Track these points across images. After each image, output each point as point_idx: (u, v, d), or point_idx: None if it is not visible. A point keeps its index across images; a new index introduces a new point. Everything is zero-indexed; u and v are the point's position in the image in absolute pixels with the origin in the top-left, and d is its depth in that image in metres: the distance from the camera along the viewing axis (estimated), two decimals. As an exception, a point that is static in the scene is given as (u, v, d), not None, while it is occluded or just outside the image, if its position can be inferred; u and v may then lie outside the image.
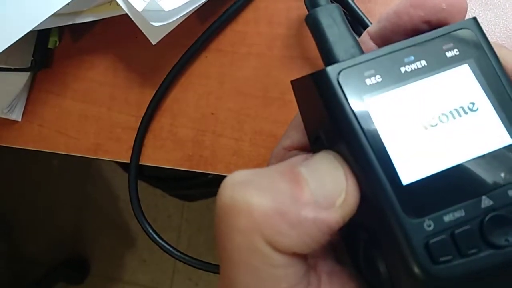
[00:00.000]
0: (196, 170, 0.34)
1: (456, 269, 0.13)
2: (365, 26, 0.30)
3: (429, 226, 0.13)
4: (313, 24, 0.17)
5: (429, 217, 0.13)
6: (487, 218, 0.13)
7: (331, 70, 0.14)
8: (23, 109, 0.39)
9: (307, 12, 0.17)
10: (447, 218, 0.13)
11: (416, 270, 0.13)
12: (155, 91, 0.35)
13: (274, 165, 0.15)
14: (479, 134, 0.14)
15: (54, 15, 0.32)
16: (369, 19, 0.30)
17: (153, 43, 0.32)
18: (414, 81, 0.14)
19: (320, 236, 0.14)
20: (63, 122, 0.38)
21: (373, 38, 0.17)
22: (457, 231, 0.13)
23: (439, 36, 0.15)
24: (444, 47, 0.15)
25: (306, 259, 0.15)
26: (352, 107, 0.14)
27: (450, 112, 0.14)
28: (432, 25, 0.16)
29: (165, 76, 0.35)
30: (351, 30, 0.16)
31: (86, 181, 1.23)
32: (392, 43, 0.15)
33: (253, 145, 0.33)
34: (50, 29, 0.38)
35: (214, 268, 0.34)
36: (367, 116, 0.14)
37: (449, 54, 0.15)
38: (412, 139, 0.14)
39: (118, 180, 1.21)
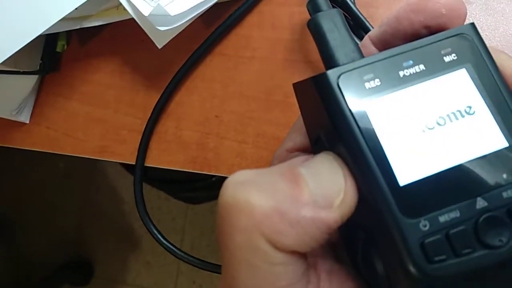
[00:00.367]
0: (200, 172, 0.34)
1: (451, 269, 0.14)
2: (367, 30, 0.31)
3: (425, 226, 0.14)
4: (314, 29, 0.17)
5: (425, 217, 0.14)
6: (481, 219, 0.14)
7: (331, 73, 0.15)
8: (31, 111, 0.40)
9: (309, 17, 0.18)
10: (442, 219, 0.14)
11: (411, 269, 0.14)
12: (160, 94, 0.35)
13: (275, 166, 0.16)
14: (476, 136, 0.15)
15: (62, 19, 0.33)
16: (371, 23, 0.31)
17: (159, 47, 0.33)
18: (412, 85, 0.15)
19: (319, 235, 0.14)
20: (70, 124, 0.38)
21: (374, 43, 0.18)
22: (452, 231, 0.14)
23: (437, 41, 0.15)
24: (442, 52, 0.15)
25: (305, 257, 0.15)
26: (351, 110, 0.15)
27: (447, 115, 0.15)
28: (432, 30, 0.16)
29: (170, 79, 0.35)
30: (352, 34, 0.17)
31: (91, 184, 1.24)
32: (393, 47, 0.16)
33: (256, 148, 0.33)
34: (58, 33, 0.39)
35: (217, 269, 0.34)
36: (366, 119, 0.14)
37: (447, 58, 0.15)
38: (409, 141, 0.14)
39: (122, 183, 1.21)
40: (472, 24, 0.16)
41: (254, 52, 0.34)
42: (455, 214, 0.14)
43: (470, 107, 0.15)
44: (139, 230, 1.18)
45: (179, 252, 0.36)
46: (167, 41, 0.33)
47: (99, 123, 0.37)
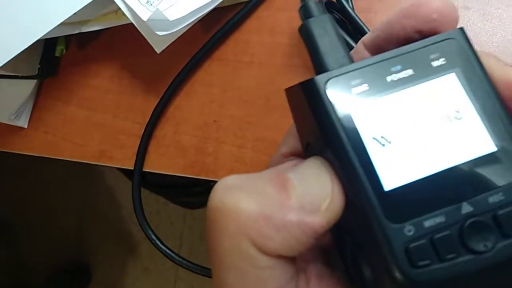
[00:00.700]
0: (198, 177, 0.34)
1: (435, 273, 0.14)
2: (365, 35, 0.31)
3: (410, 231, 0.14)
4: (305, 34, 0.17)
5: (409, 222, 0.14)
6: (466, 224, 0.14)
7: (319, 79, 0.15)
8: (29, 116, 0.40)
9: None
10: (427, 224, 0.14)
11: (396, 273, 0.14)
12: (159, 99, 0.35)
13: (265, 170, 0.16)
14: (463, 141, 0.15)
15: (61, 24, 0.33)
16: (369, 28, 0.31)
17: (158, 51, 0.33)
18: (399, 90, 0.15)
19: (305, 239, 0.14)
20: (69, 129, 0.38)
21: (367, 47, 0.18)
22: (436, 236, 0.14)
23: (426, 46, 0.15)
24: (431, 57, 0.15)
25: (294, 262, 0.15)
26: (338, 115, 0.15)
27: (435, 120, 0.15)
28: (424, 35, 0.16)
29: (169, 84, 0.35)
30: (343, 40, 0.17)
31: (89, 189, 1.24)
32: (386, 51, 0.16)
33: (255, 152, 0.33)
34: (57, 37, 0.39)
35: (216, 274, 0.34)
36: (352, 124, 0.15)
37: (435, 63, 0.15)
38: (395, 146, 0.14)
39: (121, 188, 1.21)
40: (461, 29, 0.16)
41: (253, 57, 0.34)
42: (440, 219, 0.14)
43: (458, 112, 0.15)
44: (137, 235, 1.18)
45: (177, 258, 0.36)
46: (166, 46, 0.33)
47: (97, 127, 0.37)
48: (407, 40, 0.16)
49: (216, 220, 0.15)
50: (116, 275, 1.19)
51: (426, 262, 0.14)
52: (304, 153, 0.18)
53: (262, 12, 0.35)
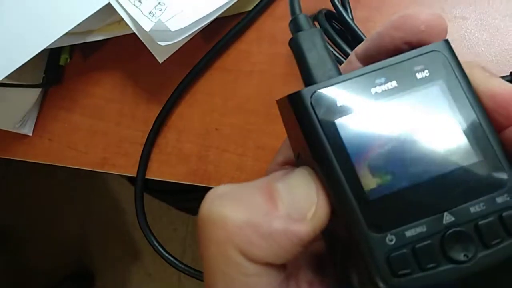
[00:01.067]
0: (200, 185, 0.35)
1: (415, 283, 0.14)
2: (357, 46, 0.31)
3: (391, 240, 0.14)
4: (295, 48, 0.17)
5: (391, 232, 0.14)
6: (447, 234, 0.14)
7: (305, 91, 0.15)
8: (34, 123, 0.40)
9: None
10: (409, 233, 0.14)
11: (378, 282, 0.14)
12: (161, 107, 0.36)
13: (256, 180, 0.16)
14: (446, 152, 0.15)
15: (66, 34, 0.33)
16: (368, 39, 0.31)
17: (160, 61, 0.33)
18: (383, 102, 0.15)
19: (291, 247, 0.15)
20: (73, 137, 0.39)
21: (359, 58, 0.18)
22: (417, 246, 0.14)
23: (411, 58, 0.16)
24: (415, 69, 0.15)
25: (283, 268, 0.16)
26: (323, 127, 0.15)
27: (418, 131, 0.15)
28: (413, 46, 0.16)
29: (171, 93, 0.36)
30: (331, 53, 0.17)
31: (92, 194, 1.24)
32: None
33: (256, 160, 0.34)
34: (61, 47, 0.39)
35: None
36: (337, 136, 0.15)
37: (419, 75, 0.15)
38: (379, 157, 0.15)
39: (124, 193, 1.22)
40: (446, 41, 0.16)
41: (254, 67, 0.35)
42: (421, 228, 0.14)
43: (440, 123, 0.15)
44: (140, 241, 1.18)
45: (180, 265, 0.36)
46: (168, 56, 0.33)
47: (100, 135, 0.38)
48: (396, 51, 0.17)
49: (205, 228, 0.15)
50: (119, 281, 1.20)
51: (407, 271, 0.14)
52: (296, 163, 0.19)
53: (262, 22, 0.35)
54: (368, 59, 0.18)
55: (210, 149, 0.35)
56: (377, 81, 0.15)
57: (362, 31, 0.31)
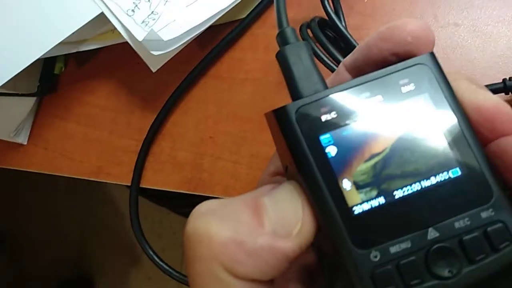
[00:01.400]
0: (194, 193, 0.35)
1: None
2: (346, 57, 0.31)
3: (376, 257, 0.14)
4: (281, 61, 0.17)
5: (376, 248, 0.14)
6: (432, 250, 0.14)
7: (290, 107, 0.15)
8: (29, 132, 0.40)
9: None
10: (393, 249, 0.14)
11: None
12: (155, 116, 0.36)
13: (242, 194, 0.16)
14: (430, 167, 0.15)
15: (60, 43, 0.33)
16: (361, 46, 0.31)
17: (153, 70, 0.33)
18: (368, 116, 0.15)
19: (277, 264, 0.15)
20: (67, 146, 0.39)
21: (348, 69, 0.18)
22: (401, 262, 0.14)
23: (396, 71, 0.16)
24: (400, 82, 0.15)
25: (270, 283, 0.15)
26: (308, 143, 0.15)
27: (403, 146, 0.15)
28: (400, 57, 0.16)
29: (165, 101, 0.36)
30: (317, 67, 0.17)
31: (91, 199, 1.25)
32: (365, 74, 0.16)
33: (250, 168, 0.34)
34: (56, 55, 0.39)
35: None
36: (321, 152, 0.15)
37: (405, 89, 0.15)
38: (363, 172, 0.15)
39: (123, 197, 1.22)
40: (431, 54, 0.16)
41: (248, 74, 0.35)
42: (406, 244, 0.14)
43: (425, 137, 0.15)
44: (139, 245, 1.18)
45: (175, 273, 0.36)
46: (161, 65, 0.33)
47: (95, 144, 0.38)
48: (384, 62, 0.16)
49: (190, 245, 0.15)
50: (119, 284, 1.20)
51: (391, 287, 0.14)
52: (285, 176, 0.19)
53: (256, 30, 0.35)
54: (356, 70, 0.18)
55: (205, 157, 0.35)
56: (362, 95, 0.15)
57: (355, 39, 0.31)
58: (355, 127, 0.15)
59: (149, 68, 0.34)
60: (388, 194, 0.15)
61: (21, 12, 0.34)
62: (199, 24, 0.32)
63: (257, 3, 0.35)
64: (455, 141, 0.15)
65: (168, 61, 0.34)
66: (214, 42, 0.35)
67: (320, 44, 0.31)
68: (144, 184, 0.36)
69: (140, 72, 0.37)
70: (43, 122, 0.40)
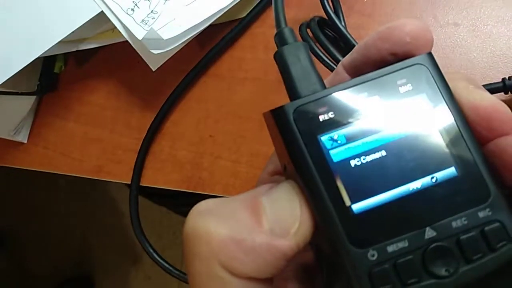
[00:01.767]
0: (194, 192, 0.35)
1: None
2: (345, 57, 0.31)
3: (373, 256, 0.14)
4: (279, 61, 0.17)
5: (373, 247, 0.14)
6: (429, 249, 0.14)
7: (288, 106, 0.15)
8: (29, 131, 0.40)
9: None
10: (390, 249, 0.14)
11: None
12: (155, 115, 0.36)
13: (241, 194, 0.16)
14: (427, 166, 0.15)
15: (60, 42, 0.33)
16: (361, 45, 0.31)
17: (153, 69, 0.33)
18: (365, 116, 0.15)
19: (275, 262, 0.15)
20: (67, 144, 0.39)
21: (346, 69, 0.18)
22: (399, 261, 0.14)
23: (393, 72, 0.16)
24: (398, 83, 0.15)
25: (269, 282, 0.16)
26: (305, 143, 0.15)
27: (400, 145, 0.15)
28: (399, 57, 0.16)
29: (165, 100, 0.36)
30: (315, 67, 0.17)
31: (92, 198, 1.25)
32: (364, 73, 0.16)
33: (250, 167, 0.34)
34: (55, 54, 0.40)
35: None
36: (319, 151, 0.15)
37: (402, 89, 0.15)
38: (360, 171, 0.15)
39: (123, 197, 1.22)
40: (429, 54, 0.16)
41: (247, 73, 0.35)
42: (403, 244, 0.14)
43: (423, 137, 0.15)
44: (139, 244, 1.18)
45: (174, 271, 0.36)
46: (161, 64, 0.33)
47: (95, 143, 0.38)
48: (383, 62, 0.16)
49: (189, 244, 0.15)
50: (119, 284, 1.20)
51: (388, 286, 0.14)
52: (284, 175, 0.19)
53: (255, 29, 0.35)
54: (355, 70, 0.18)
55: (204, 156, 0.35)
56: (360, 95, 0.15)
57: (355, 38, 0.31)
58: (353, 127, 0.15)
59: (149, 67, 0.34)
60: (385, 193, 0.15)
61: (21, 11, 0.34)
62: (198, 23, 0.32)
63: (256, 2, 0.35)
64: (452, 141, 0.15)
65: (168, 60, 0.34)
66: (214, 41, 0.35)
67: (320, 44, 0.31)
68: (144, 183, 0.36)
69: (140, 71, 0.37)
70: (43, 121, 0.40)
